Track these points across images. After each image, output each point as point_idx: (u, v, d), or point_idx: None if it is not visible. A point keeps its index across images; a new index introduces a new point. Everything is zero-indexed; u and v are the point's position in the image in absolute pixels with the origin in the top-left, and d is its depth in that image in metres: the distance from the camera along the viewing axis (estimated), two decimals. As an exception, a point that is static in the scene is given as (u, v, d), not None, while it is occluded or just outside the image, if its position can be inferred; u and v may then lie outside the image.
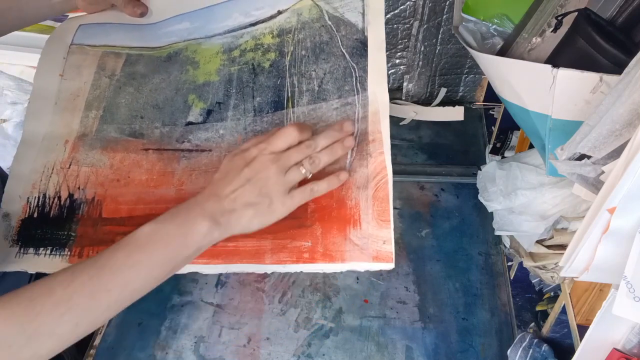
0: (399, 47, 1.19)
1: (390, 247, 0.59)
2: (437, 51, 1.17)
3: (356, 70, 0.67)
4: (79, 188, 0.69)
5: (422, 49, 1.16)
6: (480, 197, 0.93)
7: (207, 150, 0.70)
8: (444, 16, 1.10)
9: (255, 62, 0.73)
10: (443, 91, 1.24)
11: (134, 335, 0.94)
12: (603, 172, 0.56)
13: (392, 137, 1.18)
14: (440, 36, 1.14)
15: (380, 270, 0.95)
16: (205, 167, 0.69)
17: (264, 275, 0.94)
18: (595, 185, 0.59)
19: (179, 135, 0.72)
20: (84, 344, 0.91)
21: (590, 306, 0.75)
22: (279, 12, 0.73)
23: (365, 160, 0.62)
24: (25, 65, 1.36)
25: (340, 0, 0.70)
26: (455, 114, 1.22)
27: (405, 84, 1.23)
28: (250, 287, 0.95)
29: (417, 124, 1.22)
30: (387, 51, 1.20)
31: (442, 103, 1.24)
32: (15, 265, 0.67)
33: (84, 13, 0.82)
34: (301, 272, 0.62)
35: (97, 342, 0.92)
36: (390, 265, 0.58)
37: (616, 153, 0.54)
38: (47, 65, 0.76)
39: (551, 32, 0.73)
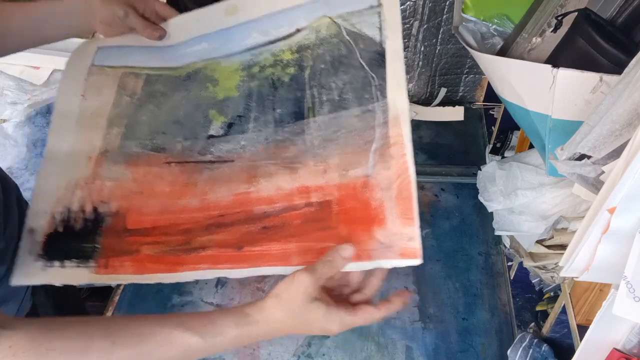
0: (399, 47, 1.19)
1: (416, 244, 0.58)
2: (437, 51, 1.17)
3: (375, 79, 0.68)
4: (102, 201, 0.70)
5: (422, 49, 1.16)
6: (480, 197, 0.93)
7: (229, 161, 0.71)
8: (444, 16, 1.10)
9: (275, 76, 0.74)
10: (443, 91, 1.24)
11: (134, 335, 0.94)
12: (603, 172, 0.56)
13: (392, 137, 1.19)
14: (440, 36, 1.14)
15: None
16: (228, 177, 0.69)
17: (264, 275, 0.94)
18: (595, 185, 0.59)
19: (201, 147, 0.73)
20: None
21: (590, 306, 0.75)
22: (298, 30, 0.75)
23: (388, 163, 0.62)
24: (25, 65, 1.35)
25: (358, 16, 0.72)
26: (455, 114, 1.22)
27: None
28: (250, 287, 0.95)
29: (417, 124, 1.22)
30: (387, 51, 1.20)
31: (442, 103, 1.24)
32: (40, 278, 0.68)
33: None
34: None
35: (97, 342, 0.91)
36: (418, 261, 0.57)
37: (616, 153, 0.54)
38: (68, 86, 0.78)
39: (551, 32, 0.73)
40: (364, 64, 0.70)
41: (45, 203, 0.71)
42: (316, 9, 0.74)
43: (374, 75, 0.68)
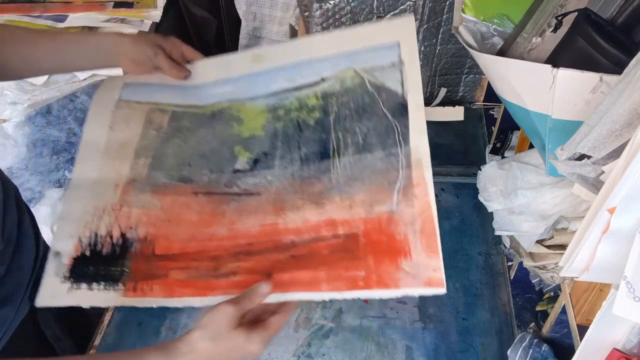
0: (399, 47, 1.19)
1: (441, 274, 0.62)
2: (437, 51, 1.17)
3: (398, 127, 0.73)
4: (130, 227, 0.73)
5: (422, 49, 1.16)
6: (480, 197, 0.93)
7: (256, 194, 0.74)
8: (444, 16, 1.10)
9: (300, 119, 0.78)
10: (443, 91, 1.24)
11: (134, 335, 0.94)
12: (603, 172, 0.56)
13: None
14: (440, 36, 1.14)
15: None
16: (255, 209, 0.72)
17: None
18: (595, 185, 0.59)
19: (227, 180, 0.76)
20: (84, 343, 0.91)
21: (590, 306, 0.75)
22: (323, 79, 0.79)
23: (411, 202, 0.67)
24: (25, 65, 1.36)
25: (380, 71, 0.76)
26: (455, 114, 1.22)
27: (405, 84, 1.23)
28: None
29: (417, 124, 1.22)
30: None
31: (442, 103, 1.24)
32: (67, 299, 0.69)
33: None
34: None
35: (97, 342, 0.91)
36: (443, 290, 0.62)
37: (616, 153, 0.54)
38: (96, 118, 0.81)
39: (551, 32, 0.72)
40: (387, 113, 0.74)
41: (72, 227, 0.73)
42: (341, 61, 0.78)
43: (397, 123, 0.73)
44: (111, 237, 0.72)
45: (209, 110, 0.82)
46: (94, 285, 0.69)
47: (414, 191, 0.68)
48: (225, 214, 0.73)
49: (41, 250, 0.82)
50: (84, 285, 0.69)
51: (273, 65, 0.80)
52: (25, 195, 1.18)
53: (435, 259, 0.63)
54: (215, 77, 0.82)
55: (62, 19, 1.24)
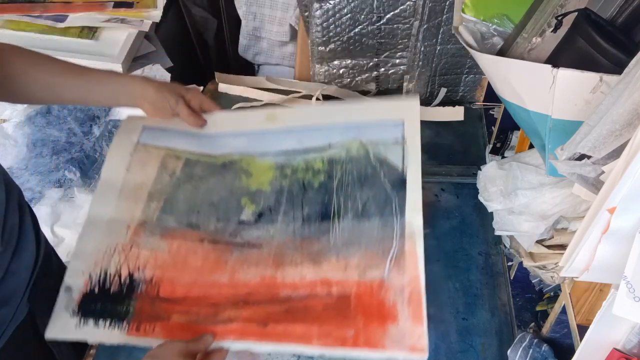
0: (399, 47, 1.19)
1: (424, 342, 0.67)
2: (437, 51, 1.17)
3: (396, 199, 0.78)
4: (138, 268, 0.76)
5: (422, 49, 1.16)
6: (480, 197, 0.93)
7: (258, 247, 0.78)
8: (444, 16, 1.10)
9: (306, 180, 0.83)
10: (443, 91, 1.24)
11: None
12: (603, 172, 0.56)
13: (392, 137, 1.18)
14: (440, 36, 1.14)
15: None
16: (256, 261, 0.77)
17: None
18: (595, 185, 0.59)
19: (232, 230, 0.80)
20: (83, 348, 0.90)
21: (590, 306, 0.75)
22: (330, 145, 0.84)
23: (402, 271, 0.72)
24: (25, 65, 1.36)
25: (384, 146, 0.82)
26: (455, 114, 1.22)
27: (405, 84, 1.23)
28: None
29: (417, 124, 1.22)
30: (387, 51, 1.20)
31: (442, 103, 1.24)
32: (75, 334, 0.72)
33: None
34: None
35: (95, 346, 0.91)
36: (424, 356, 0.67)
37: (616, 153, 0.54)
38: (115, 159, 0.85)
39: (551, 32, 0.73)
40: (387, 185, 0.80)
41: (84, 264, 0.76)
42: (348, 131, 0.84)
43: (395, 196, 0.78)
44: (119, 276, 0.75)
45: (220, 160, 0.86)
46: (100, 322, 0.72)
47: (406, 262, 0.72)
48: (228, 262, 0.77)
49: (41, 252, 0.81)
50: (90, 322, 0.72)
51: (285, 126, 0.86)
52: (25, 195, 1.18)
53: (420, 327, 0.68)
54: (229, 129, 0.87)
55: (62, 19, 1.24)
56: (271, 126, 0.87)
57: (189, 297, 0.74)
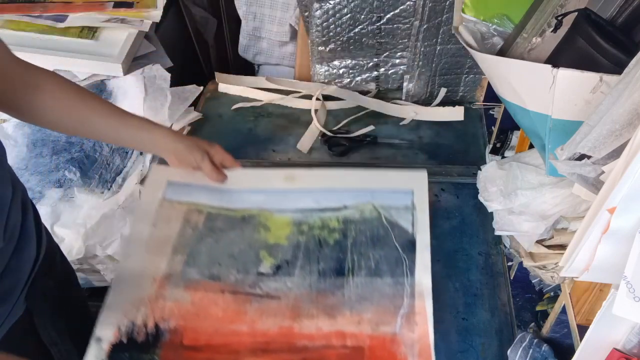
0: (399, 47, 1.19)
1: None
2: (437, 51, 1.17)
3: (406, 260, 0.84)
4: (163, 319, 0.81)
5: (422, 49, 1.16)
6: (480, 197, 0.93)
7: (276, 298, 0.83)
8: (444, 16, 1.10)
9: (322, 237, 0.89)
10: (443, 91, 1.24)
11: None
12: (603, 172, 0.56)
13: (392, 136, 1.19)
14: (440, 36, 1.14)
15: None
16: (274, 312, 0.81)
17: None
18: (595, 185, 0.59)
19: (251, 282, 0.85)
20: (84, 343, 0.90)
21: (590, 306, 0.75)
22: (345, 207, 0.91)
23: (412, 327, 0.77)
24: (25, 65, 1.36)
25: (396, 210, 0.90)
26: (455, 114, 1.22)
27: (405, 84, 1.23)
28: (250, 287, 0.94)
29: (417, 124, 1.22)
30: (387, 51, 1.20)
31: (442, 103, 1.24)
32: None
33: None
34: None
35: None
36: None
37: (616, 153, 0.54)
38: (143, 215, 0.92)
39: (551, 32, 0.73)
40: (398, 246, 0.86)
41: (114, 317, 0.80)
42: (362, 195, 0.92)
43: (405, 257, 0.85)
44: (146, 326, 0.80)
45: (240, 214, 0.92)
46: None
47: (416, 319, 0.78)
48: (248, 312, 0.81)
49: (42, 252, 0.81)
50: None
51: (303, 187, 0.94)
52: (25, 195, 1.18)
53: None
54: (249, 185, 0.94)
55: (62, 18, 1.24)
56: (290, 186, 0.94)
57: (211, 345, 0.78)
